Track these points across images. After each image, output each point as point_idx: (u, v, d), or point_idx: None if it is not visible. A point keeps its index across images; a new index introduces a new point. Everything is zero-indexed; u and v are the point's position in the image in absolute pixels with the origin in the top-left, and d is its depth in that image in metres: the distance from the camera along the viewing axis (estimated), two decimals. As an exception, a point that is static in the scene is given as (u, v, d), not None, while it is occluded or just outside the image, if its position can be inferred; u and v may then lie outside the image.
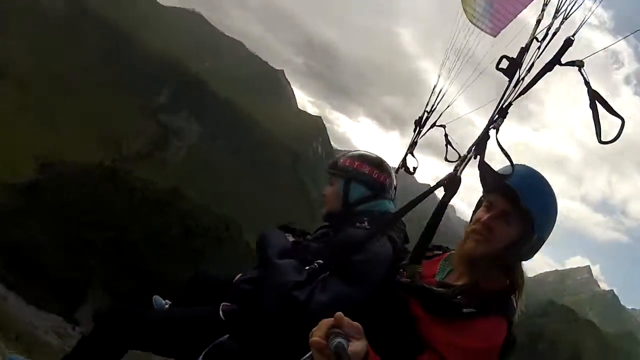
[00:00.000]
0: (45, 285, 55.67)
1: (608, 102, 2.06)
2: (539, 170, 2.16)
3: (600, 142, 2.03)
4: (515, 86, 2.34)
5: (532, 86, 2.31)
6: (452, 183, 2.16)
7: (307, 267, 2.34)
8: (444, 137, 3.37)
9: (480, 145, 2.13)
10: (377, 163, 2.80)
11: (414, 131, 3.81)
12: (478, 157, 2.10)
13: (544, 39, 2.51)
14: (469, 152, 2.24)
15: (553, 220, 2.14)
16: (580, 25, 2.38)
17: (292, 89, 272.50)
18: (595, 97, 2.10)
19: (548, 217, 2.10)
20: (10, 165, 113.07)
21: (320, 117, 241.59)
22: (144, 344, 2.57)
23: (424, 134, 3.77)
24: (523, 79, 2.34)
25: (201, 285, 2.94)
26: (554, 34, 2.50)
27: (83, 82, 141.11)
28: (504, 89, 2.32)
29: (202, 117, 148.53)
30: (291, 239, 2.77)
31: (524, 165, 2.15)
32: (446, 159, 3.02)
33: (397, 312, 2.10)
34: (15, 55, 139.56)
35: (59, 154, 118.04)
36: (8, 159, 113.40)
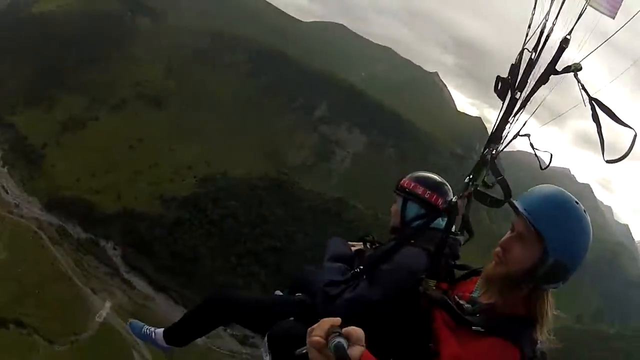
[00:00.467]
0: (199, 289, 56.01)
1: (613, 111, 2.00)
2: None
3: (606, 161, 2.05)
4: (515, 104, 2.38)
5: (526, 103, 2.33)
6: (449, 210, 2.48)
7: (352, 272, 2.87)
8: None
9: (474, 174, 2.36)
10: (432, 185, 3.10)
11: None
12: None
13: (536, 46, 2.35)
14: (468, 177, 2.53)
15: (578, 244, 2.05)
16: (577, 20, 2.23)
17: (448, 91, 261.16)
18: (597, 105, 2.07)
19: (567, 241, 2.01)
20: (171, 180, 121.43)
21: (479, 117, 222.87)
22: (239, 319, 3.25)
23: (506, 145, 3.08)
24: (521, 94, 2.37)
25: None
26: (547, 37, 2.33)
27: (235, 100, 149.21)
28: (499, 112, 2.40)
29: (364, 126, 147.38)
30: (359, 246, 3.35)
31: (550, 186, 2.14)
32: (484, 183, 2.79)
33: (417, 321, 2.31)
34: (169, 82, 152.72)
35: (219, 168, 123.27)
36: (169, 174, 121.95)
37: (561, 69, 2.16)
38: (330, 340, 1.25)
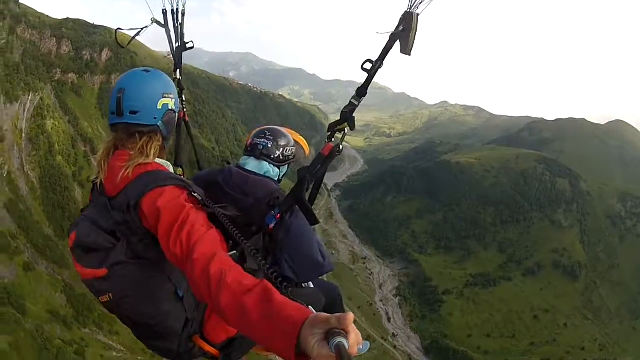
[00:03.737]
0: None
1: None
2: None
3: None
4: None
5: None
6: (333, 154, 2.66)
7: None
8: None
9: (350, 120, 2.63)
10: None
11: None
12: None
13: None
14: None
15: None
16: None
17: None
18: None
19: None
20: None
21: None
22: None
23: None
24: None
25: None
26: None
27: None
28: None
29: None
30: None
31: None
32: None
33: None
34: (584, 251, 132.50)
35: (612, 354, 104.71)
36: (561, 353, 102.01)
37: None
38: (331, 340, 1.22)
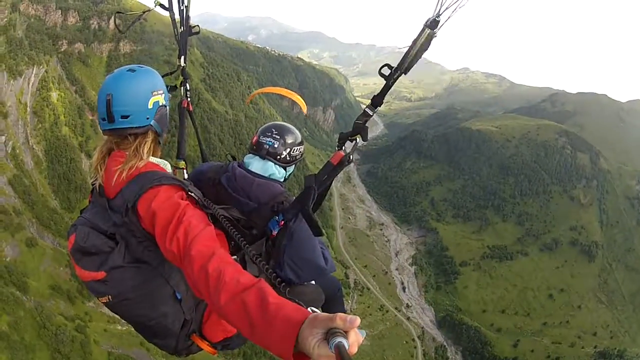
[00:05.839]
0: None
1: None
2: None
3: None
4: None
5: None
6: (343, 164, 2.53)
7: None
8: None
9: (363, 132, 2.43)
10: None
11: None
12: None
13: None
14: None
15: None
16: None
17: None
18: None
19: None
20: (572, 344, 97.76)
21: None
22: None
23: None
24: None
25: None
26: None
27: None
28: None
29: None
30: None
31: None
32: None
33: None
34: (602, 231, 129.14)
35: (622, 341, 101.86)
36: (572, 337, 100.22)
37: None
38: (331, 340, 1.21)
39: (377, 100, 2.36)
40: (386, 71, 2.28)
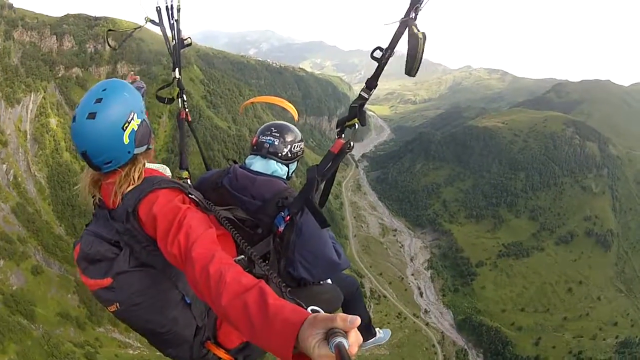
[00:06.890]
0: None
1: None
2: None
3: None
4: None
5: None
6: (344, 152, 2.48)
7: None
8: None
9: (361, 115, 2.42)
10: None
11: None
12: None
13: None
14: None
15: None
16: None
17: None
18: None
19: None
20: (594, 337, 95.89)
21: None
22: None
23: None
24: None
25: None
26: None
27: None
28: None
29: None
30: None
31: None
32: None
33: None
34: (616, 220, 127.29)
35: None
36: (593, 329, 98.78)
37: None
38: (331, 340, 1.20)
39: (371, 82, 2.36)
40: (378, 54, 2.27)
